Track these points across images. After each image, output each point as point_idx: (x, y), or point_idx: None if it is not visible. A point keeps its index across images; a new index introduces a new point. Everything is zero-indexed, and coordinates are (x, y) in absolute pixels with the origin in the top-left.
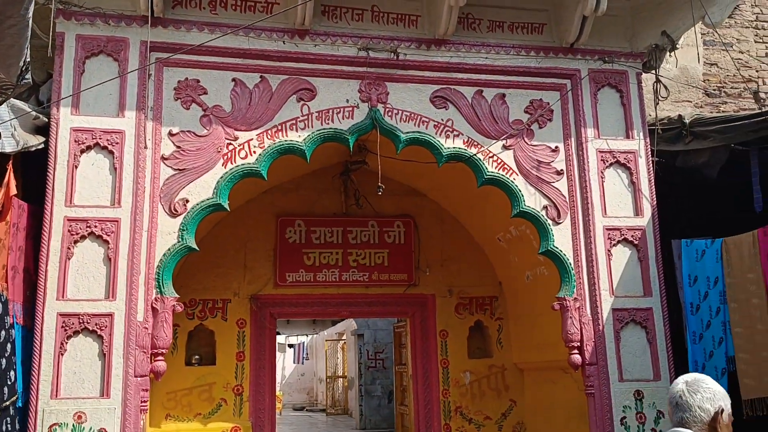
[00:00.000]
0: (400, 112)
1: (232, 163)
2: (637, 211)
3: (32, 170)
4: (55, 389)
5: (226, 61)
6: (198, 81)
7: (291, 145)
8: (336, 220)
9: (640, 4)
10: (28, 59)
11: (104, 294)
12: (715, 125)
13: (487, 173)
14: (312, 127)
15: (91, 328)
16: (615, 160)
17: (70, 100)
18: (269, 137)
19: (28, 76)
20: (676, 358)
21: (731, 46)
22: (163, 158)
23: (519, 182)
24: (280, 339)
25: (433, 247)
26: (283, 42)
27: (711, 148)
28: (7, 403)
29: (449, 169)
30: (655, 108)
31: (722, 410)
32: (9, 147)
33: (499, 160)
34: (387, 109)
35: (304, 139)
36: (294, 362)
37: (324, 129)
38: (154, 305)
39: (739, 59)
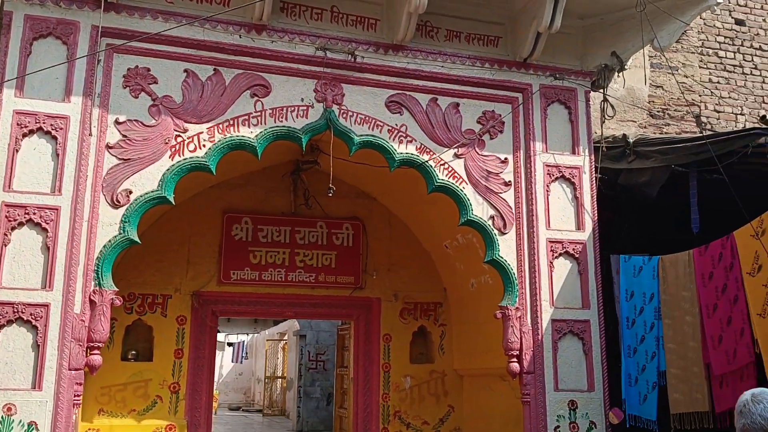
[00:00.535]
0: (355, 114)
1: (180, 156)
2: (579, 225)
3: None
4: None
5: (179, 51)
6: (148, 70)
7: (242, 140)
8: (284, 219)
9: (593, 25)
10: None
11: (41, 284)
12: (657, 146)
13: (438, 180)
14: (265, 123)
15: (25, 318)
16: (561, 174)
17: (14, 82)
18: (220, 131)
19: None
20: (610, 370)
21: (677, 70)
22: (108, 147)
23: (468, 191)
24: (219, 337)
25: (381, 251)
26: (240, 36)
27: (652, 168)
28: None
29: (400, 174)
30: (602, 126)
31: None
32: None
33: (450, 168)
34: (342, 111)
35: (257, 136)
36: (232, 361)
37: (277, 127)
38: (92, 297)
39: (684, 83)
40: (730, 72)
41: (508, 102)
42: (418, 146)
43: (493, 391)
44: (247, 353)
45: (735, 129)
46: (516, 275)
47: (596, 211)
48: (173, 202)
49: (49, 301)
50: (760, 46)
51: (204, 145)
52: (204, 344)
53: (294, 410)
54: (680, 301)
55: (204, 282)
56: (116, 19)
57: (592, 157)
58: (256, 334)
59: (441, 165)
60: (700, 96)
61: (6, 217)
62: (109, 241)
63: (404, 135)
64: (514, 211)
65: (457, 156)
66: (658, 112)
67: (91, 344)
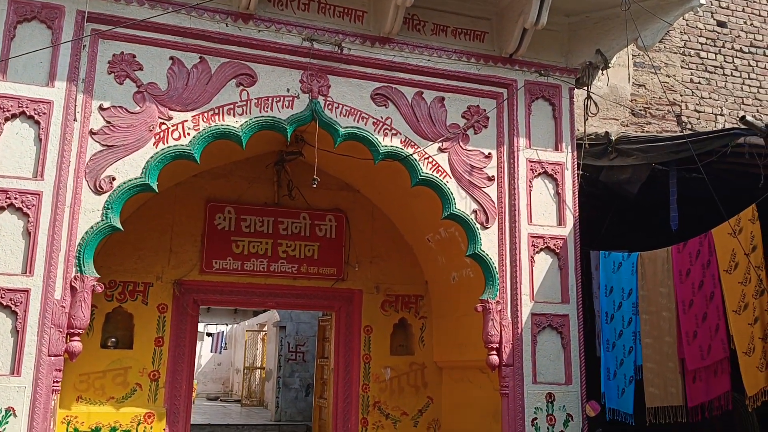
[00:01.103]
0: (341, 106)
1: (164, 144)
2: (560, 221)
3: None
4: None
5: (165, 38)
6: (134, 56)
7: (227, 130)
8: (267, 209)
9: (578, 22)
10: None
11: (21, 269)
12: (638, 144)
13: (422, 174)
14: (250, 113)
15: (5, 303)
16: (543, 170)
17: None
18: (205, 120)
19: None
20: (588, 364)
21: (659, 70)
22: (92, 133)
23: (452, 185)
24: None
25: (364, 243)
26: (226, 24)
27: (633, 166)
28: None
29: (384, 167)
30: (584, 123)
31: None
32: None
33: (434, 162)
34: (327, 103)
35: (241, 125)
36: (211, 351)
37: (262, 117)
38: (73, 284)
39: (666, 83)
40: (711, 73)
41: (492, 97)
42: (403, 139)
43: (472, 384)
44: (226, 344)
45: (715, 129)
46: (497, 269)
47: (578, 208)
48: (156, 190)
49: (30, 286)
50: (740, 48)
51: (188, 134)
52: (185, 333)
53: (273, 401)
54: (658, 297)
55: (186, 271)
56: (102, 4)
57: (575, 153)
58: (235, 325)
59: (425, 159)
60: (681, 96)
61: None
62: (92, 227)
63: (389, 128)
64: (496, 206)
65: (441, 150)
66: (640, 110)
67: (71, 331)
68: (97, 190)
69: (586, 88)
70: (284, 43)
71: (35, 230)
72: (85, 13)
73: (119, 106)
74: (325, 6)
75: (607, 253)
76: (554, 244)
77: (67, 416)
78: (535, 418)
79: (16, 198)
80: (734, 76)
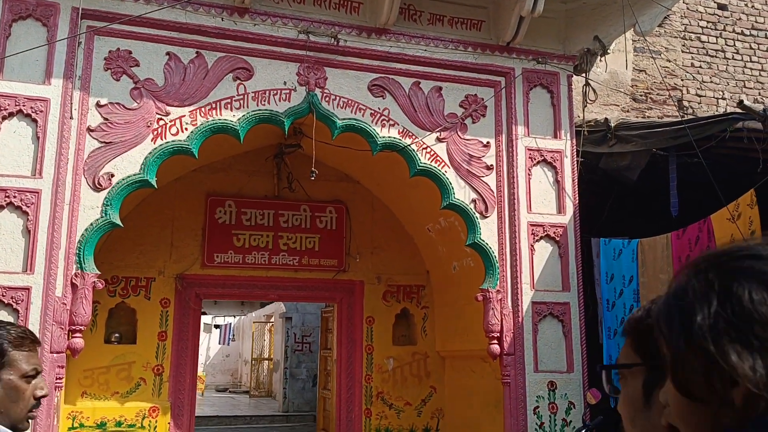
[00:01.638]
0: (338, 98)
1: (162, 139)
2: (560, 209)
3: None
4: None
5: (161, 33)
6: (130, 52)
7: (225, 124)
8: (268, 202)
9: (575, 9)
10: None
11: (22, 267)
12: (638, 130)
13: (420, 164)
14: (247, 107)
15: (6, 302)
16: (542, 158)
17: None
18: (202, 115)
19: None
20: (590, 352)
21: (659, 55)
22: (89, 130)
23: (450, 175)
24: (206, 319)
25: (364, 234)
26: (222, 19)
27: (633, 152)
28: None
29: (383, 157)
30: (583, 110)
31: None
32: None
33: (432, 152)
34: (324, 95)
35: (239, 119)
36: (219, 343)
37: (260, 110)
38: (73, 281)
39: (666, 67)
40: (712, 56)
41: (490, 86)
42: (401, 130)
43: (474, 373)
44: (234, 335)
45: (715, 113)
46: (497, 258)
47: (577, 195)
48: (155, 186)
49: (31, 284)
50: (741, 30)
51: (186, 129)
52: (188, 326)
53: (280, 391)
54: (658, 283)
55: (187, 265)
56: (97, 1)
57: (574, 141)
58: (243, 317)
59: (423, 149)
60: (682, 80)
61: None
62: (91, 224)
63: (387, 119)
64: (495, 195)
65: (439, 140)
66: (640, 96)
67: (73, 327)
68: (96, 187)
69: (584, 75)
70: (280, 36)
71: (35, 228)
72: (80, 9)
73: (116, 103)
74: None
75: (607, 240)
76: (554, 232)
77: (72, 412)
78: (537, 407)
79: (15, 196)
80: (735, 60)
